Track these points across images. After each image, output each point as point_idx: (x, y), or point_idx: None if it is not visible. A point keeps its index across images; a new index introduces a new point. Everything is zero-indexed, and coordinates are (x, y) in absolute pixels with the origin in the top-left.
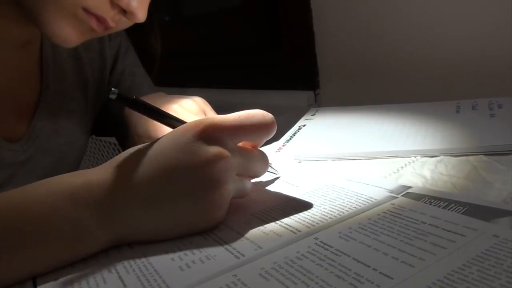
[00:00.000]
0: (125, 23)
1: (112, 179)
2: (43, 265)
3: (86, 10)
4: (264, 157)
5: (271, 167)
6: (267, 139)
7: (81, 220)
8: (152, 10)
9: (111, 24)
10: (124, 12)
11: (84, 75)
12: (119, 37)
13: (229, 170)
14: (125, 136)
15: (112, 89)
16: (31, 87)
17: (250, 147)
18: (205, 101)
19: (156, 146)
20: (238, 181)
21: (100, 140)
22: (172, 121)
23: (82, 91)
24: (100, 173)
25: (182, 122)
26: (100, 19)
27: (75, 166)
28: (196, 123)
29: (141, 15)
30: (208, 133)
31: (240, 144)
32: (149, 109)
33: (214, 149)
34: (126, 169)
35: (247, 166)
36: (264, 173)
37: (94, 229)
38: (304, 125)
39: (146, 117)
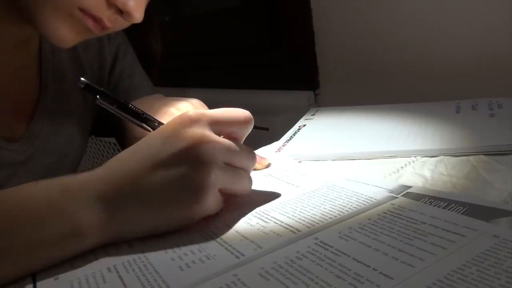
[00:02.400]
0: (122, 24)
1: (104, 172)
2: (40, 261)
3: (82, 10)
4: (250, 150)
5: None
6: (246, 133)
7: (75, 213)
8: (151, 10)
9: (108, 24)
10: (120, 12)
11: (83, 75)
12: (118, 37)
13: (214, 152)
14: (124, 136)
15: (81, 78)
16: (30, 87)
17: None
18: (202, 103)
19: (145, 141)
20: (229, 169)
21: (100, 140)
22: (145, 119)
23: (81, 91)
24: (94, 172)
25: (152, 119)
26: (96, 20)
27: (75, 166)
28: (182, 114)
29: (138, 16)
30: (193, 119)
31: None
32: (116, 102)
33: (199, 132)
34: (118, 163)
35: (234, 155)
36: (252, 166)
37: (89, 222)
38: (304, 125)
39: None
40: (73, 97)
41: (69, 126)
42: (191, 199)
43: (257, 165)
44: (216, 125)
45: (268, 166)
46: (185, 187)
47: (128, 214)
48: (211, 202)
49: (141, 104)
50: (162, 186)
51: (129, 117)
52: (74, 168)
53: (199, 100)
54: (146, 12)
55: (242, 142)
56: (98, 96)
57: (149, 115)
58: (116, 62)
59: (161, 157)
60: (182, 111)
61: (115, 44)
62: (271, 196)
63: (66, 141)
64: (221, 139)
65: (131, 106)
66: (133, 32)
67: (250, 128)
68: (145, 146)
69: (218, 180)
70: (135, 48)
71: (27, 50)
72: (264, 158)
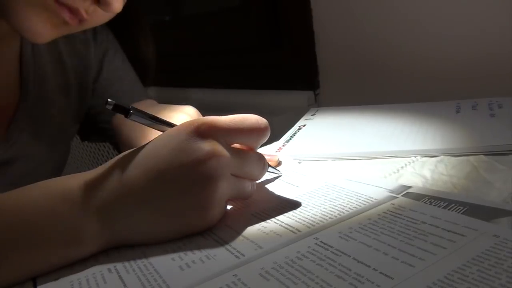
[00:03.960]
0: (101, 16)
1: (106, 180)
2: (40, 266)
3: (57, 1)
4: (260, 159)
5: (272, 167)
6: (261, 143)
7: (76, 221)
8: (140, 10)
9: (85, 16)
10: (98, 2)
11: (67, 80)
12: (105, 41)
13: (222, 168)
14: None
15: (109, 100)
16: (10, 91)
17: (245, 148)
18: (197, 111)
19: (149, 146)
20: (235, 181)
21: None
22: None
23: (64, 96)
24: (94, 175)
25: None
26: (72, 11)
27: (56, 172)
28: (189, 123)
29: (117, 5)
30: (201, 132)
31: (234, 146)
32: (148, 117)
33: (207, 147)
34: (120, 170)
35: (242, 167)
36: (261, 175)
37: (90, 230)
38: (304, 125)
39: (136, 127)
40: (56, 102)
41: (51, 131)
42: (196, 215)
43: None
44: (226, 136)
45: (279, 163)
46: (190, 204)
47: (129, 224)
48: (217, 216)
49: None
50: (167, 200)
51: (163, 127)
52: (56, 174)
53: (194, 109)
54: (134, 12)
55: (256, 150)
56: (131, 111)
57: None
58: (103, 67)
59: (167, 171)
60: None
61: (101, 48)
62: (271, 196)
63: (47, 146)
64: (230, 151)
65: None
66: (122, 34)
67: (264, 137)
68: (151, 156)
69: (223, 194)
70: (126, 52)
71: (6, 52)
72: (274, 155)
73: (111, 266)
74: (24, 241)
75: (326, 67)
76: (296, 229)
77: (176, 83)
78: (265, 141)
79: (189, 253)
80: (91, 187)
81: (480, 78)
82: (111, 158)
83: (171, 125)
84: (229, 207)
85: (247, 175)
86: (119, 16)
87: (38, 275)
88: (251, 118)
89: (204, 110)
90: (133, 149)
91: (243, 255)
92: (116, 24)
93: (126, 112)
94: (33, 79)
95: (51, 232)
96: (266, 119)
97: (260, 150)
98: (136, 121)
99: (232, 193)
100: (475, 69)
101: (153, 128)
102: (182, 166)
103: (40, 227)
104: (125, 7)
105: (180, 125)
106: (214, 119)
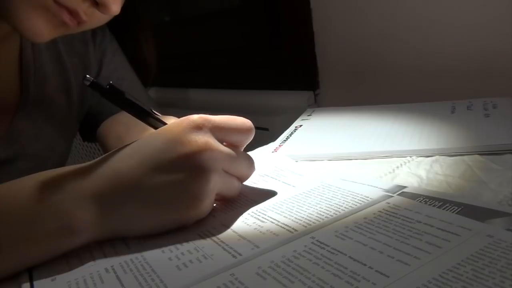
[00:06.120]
0: (100, 18)
1: (100, 170)
2: (31, 257)
3: (57, 2)
4: (249, 158)
5: None
6: (246, 143)
7: (69, 210)
8: (140, 10)
9: (84, 18)
10: (96, 4)
11: (67, 80)
12: (104, 42)
13: (216, 161)
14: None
15: (87, 76)
16: (10, 90)
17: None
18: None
19: (145, 139)
20: (225, 177)
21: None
22: (151, 119)
23: (65, 96)
24: (88, 166)
25: (160, 121)
26: (72, 12)
27: None
28: (185, 117)
29: (115, 8)
30: (197, 124)
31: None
32: (125, 100)
33: (202, 139)
34: (114, 160)
35: (233, 164)
36: (249, 175)
37: (83, 219)
38: (301, 126)
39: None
40: (56, 101)
41: (51, 131)
42: (188, 204)
43: None
44: (219, 132)
45: None
46: (183, 193)
47: (122, 213)
48: (207, 208)
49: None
50: (160, 189)
51: (133, 114)
52: None
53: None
54: (136, 13)
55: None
56: (107, 90)
57: (154, 112)
58: (102, 67)
59: (162, 160)
60: None
61: (101, 49)
62: (268, 195)
63: (47, 146)
64: (222, 146)
65: (136, 102)
66: (123, 35)
67: (251, 137)
68: (146, 147)
69: (214, 186)
70: (127, 53)
71: (6, 52)
72: None
73: (108, 266)
74: (14, 229)
75: (326, 67)
76: (293, 228)
77: (176, 83)
78: (249, 141)
79: (186, 252)
80: (85, 176)
81: (476, 78)
82: None
83: (145, 113)
84: (228, 211)
85: (236, 173)
86: (120, 17)
87: (30, 265)
88: (239, 119)
89: (204, 110)
90: (128, 143)
91: (240, 254)
92: (118, 25)
93: (103, 90)
94: (33, 79)
95: (41, 220)
96: (266, 119)
97: (257, 151)
98: (111, 102)
99: (221, 188)
100: (471, 70)
101: (127, 112)
102: (177, 156)
103: (30, 215)
104: (127, 8)
105: (177, 120)
106: (208, 116)
